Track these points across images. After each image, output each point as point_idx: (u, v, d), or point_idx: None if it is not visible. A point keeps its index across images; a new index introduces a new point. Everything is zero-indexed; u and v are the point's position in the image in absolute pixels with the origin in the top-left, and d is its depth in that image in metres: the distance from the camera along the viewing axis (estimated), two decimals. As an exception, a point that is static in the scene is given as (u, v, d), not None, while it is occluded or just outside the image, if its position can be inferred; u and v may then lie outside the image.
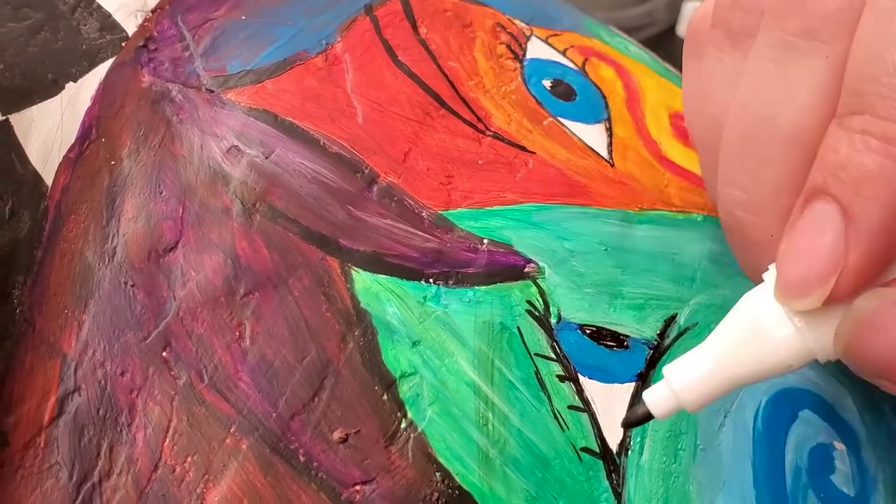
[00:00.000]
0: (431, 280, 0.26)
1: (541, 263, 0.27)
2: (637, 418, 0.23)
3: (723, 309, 0.28)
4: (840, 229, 0.21)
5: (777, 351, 0.22)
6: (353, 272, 0.25)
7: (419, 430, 0.24)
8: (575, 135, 0.31)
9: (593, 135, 0.31)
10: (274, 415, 0.24)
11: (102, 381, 0.25)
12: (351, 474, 0.24)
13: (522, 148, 0.29)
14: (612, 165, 0.30)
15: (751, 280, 0.25)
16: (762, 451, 0.26)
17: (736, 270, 0.29)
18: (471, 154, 0.28)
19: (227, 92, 0.28)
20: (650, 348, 0.26)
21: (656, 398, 0.23)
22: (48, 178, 0.27)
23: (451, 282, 0.26)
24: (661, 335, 0.27)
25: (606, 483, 0.24)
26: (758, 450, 0.26)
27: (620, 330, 0.26)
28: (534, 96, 0.31)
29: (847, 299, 0.21)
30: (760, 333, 0.22)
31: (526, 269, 0.26)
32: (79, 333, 0.25)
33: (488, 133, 0.29)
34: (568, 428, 0.25)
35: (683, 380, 0.22)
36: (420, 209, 0.27)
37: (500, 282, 0.26)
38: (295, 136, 0.27)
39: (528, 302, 0.26)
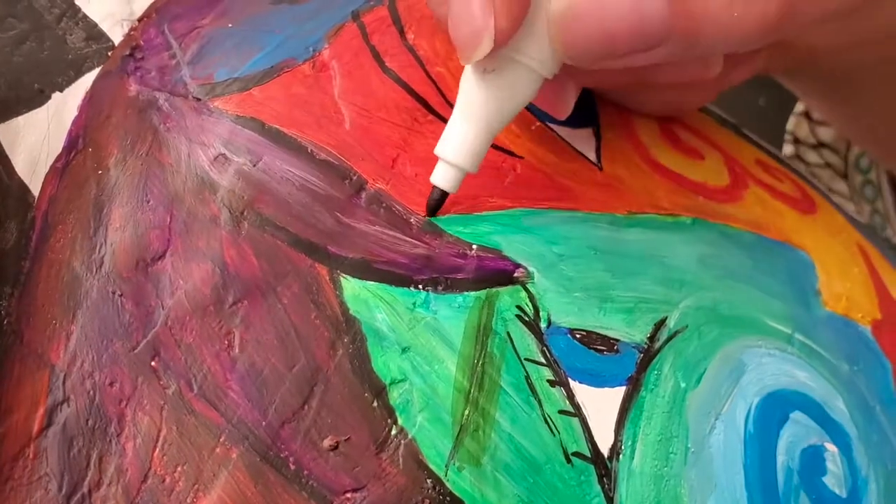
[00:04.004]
0: (420, 286, 0.26)
1: (530, 268, 0.27)
2: (434, 202, 0.27)
3: (713, 311, 0.28)
4: None
5: (508, 86, 0.26)
6: (342, 279, 0.25)
7: (409, 436, 0.24)
8: (563, 139, 0.31)
9: (581, 139, 0.31)
10: (264, 423, 0.24)
11: (91, 392, 0.24)
12: (342, 482, 0.23)
13: (510, 153, 0.29)
14: (601, 169, 0.30)
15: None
16: (753, 453, 0.26)
17: (725, 273, 0.29)
18: None
19: (214, 100, 0.28)
20: (640, 352, 0.26)
21: (441, 176, 0.26)
22: (35, 189, 0.27)
23: (440, 288, 0.26)
24: (651, 338, 0.27)
25: (598, 487, 0.24)
26: (749, 452, 0.26)
27: (610, 334, 0.26)
28: (521, 101, 0.31)
29: (514, 29, 0.25)
30: (485, 82, 0.26)
31: (515, 274, 0.26)
32: (67, 344, 0.25)
33: (476, 138, 0.29)
34: (559, 432, 0.25)
35: (453, 149, 0.26)
36: (408, 215, 0.27)
37: (490, 287, 0.26)
38: (282, 144, 0.27)
39: (518, 307, 0.26)
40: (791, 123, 0.49)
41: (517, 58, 0.26)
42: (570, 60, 0.26)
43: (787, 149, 0.50)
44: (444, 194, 0.27)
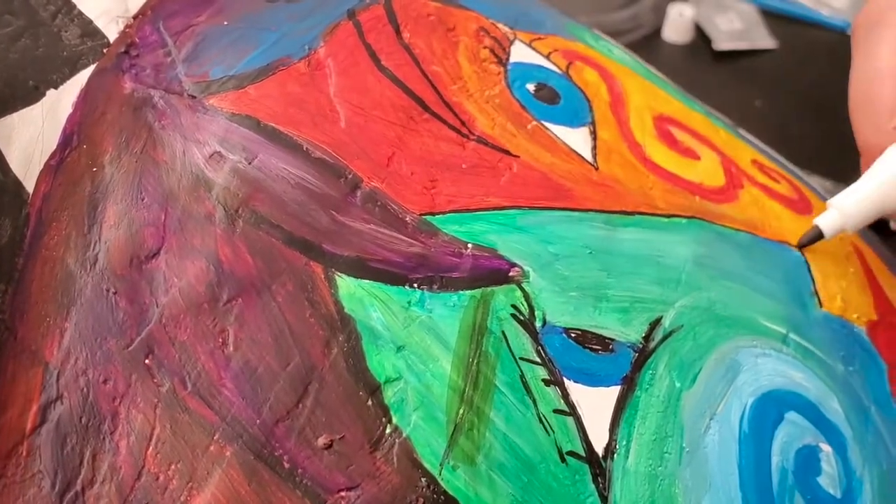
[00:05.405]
0: (416, 285, 0.26)
1: (525, 267, 0.27)
2: (810, 238, 0.31)
3: (708, 311, 0.28)
4: None
5: None
6: (336, 277, 0.25)
7: (404, 435, 0.24)
8: (559, 138, 0.31)
9: (577, 138, 0.31)
10: (258, 421, 0.24)
11: (85, 389, 0.24)
12: (336, 480, 0.23)
13: (506, 152, 0.29)
14: (597, 169, 0.30)
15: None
16: (748, 453, 0.26)
17: (720, 273, 0.29)
18: (455, 158, 0.28)
19: (209, 98, 0.28)
20: (635, 351, 0.26)
21: (827, 221, 0.31)
22: (29, 186, 0.27)
23: (435, 286, 0.26)
24: (647, 338, 0.27)
25: (592, 487, 0.24)
26: (744, 452, 0.26)
27: (606, 333, 0.26)
28: (518, 100, 0.31)
29: None
30: None
31: (510, 273, 0.26)
32: (61, 341, 0.25)
33: (472, 137, 0.29)
34: (553, 432, 0.25)
35: (847, 206, 0.31)
36: (404, 214, 0.26)
37: (485, 286, 0.26)
38: (278, 142, 0.27)
39: (513, 306, 0.26)
40: None
41: None
42: None
43: None
44: (820, 236, 0.32)
